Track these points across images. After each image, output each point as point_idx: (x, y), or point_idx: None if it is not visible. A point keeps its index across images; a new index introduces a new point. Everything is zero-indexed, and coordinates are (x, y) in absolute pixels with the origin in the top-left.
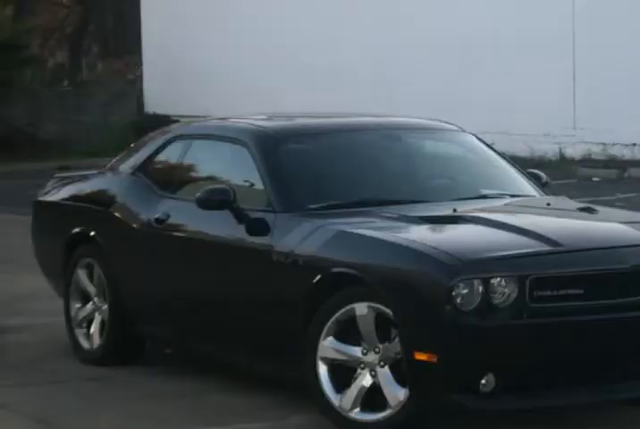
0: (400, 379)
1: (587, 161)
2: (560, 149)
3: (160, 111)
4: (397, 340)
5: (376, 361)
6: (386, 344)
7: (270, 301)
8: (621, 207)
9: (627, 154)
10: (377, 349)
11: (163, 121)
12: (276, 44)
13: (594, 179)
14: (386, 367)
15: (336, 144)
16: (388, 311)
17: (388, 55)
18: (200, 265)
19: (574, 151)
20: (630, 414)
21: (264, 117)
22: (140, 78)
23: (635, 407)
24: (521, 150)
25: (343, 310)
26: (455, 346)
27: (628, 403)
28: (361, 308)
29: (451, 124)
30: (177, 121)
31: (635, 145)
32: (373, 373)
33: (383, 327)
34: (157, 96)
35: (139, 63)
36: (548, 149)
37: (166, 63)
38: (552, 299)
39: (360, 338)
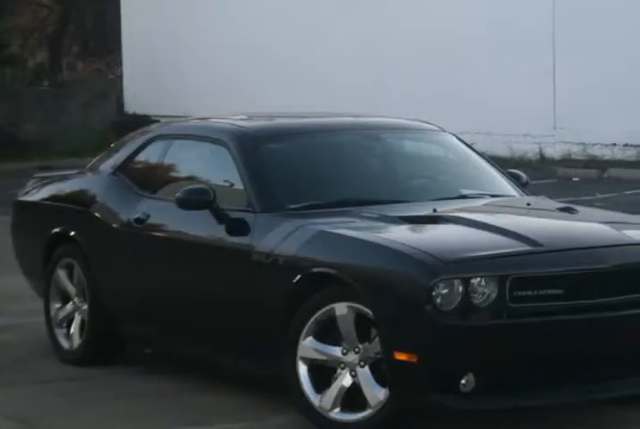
0: (380, 379)
1: (567, 161)
2: (541, 149)
3: (140, 111)
4: (377, 340)
5: (356, 361)
6: (366, 344)
7: (250, 301)
8: (601, 207)
9: (606, 154)
10: (357, 349)
11: (143, 121)
12: (258, 43)
13: (574, 179)
14: (366, 367)
15: (316, 144)
16: (368, 311)
17: (371, 55)
18: (180, 266)
19: (554, 151)
20: (610, 413)
21: (244, 117)
22: (120, 78)
23: (615, 407)
24: (501, 150)
25: (323, 310)
26: (435, 346)
27: (609, 403)
28: (341, 308)
29: (431, 124)
30: (157, 121)
31: (615, 145)
32: (353, 373)
33: (362, 327)
34: (137, 96)
35: (119, 63)
36: (528, 149)
37: (146, 63)
38: (532, 299)
39: (340, 338)
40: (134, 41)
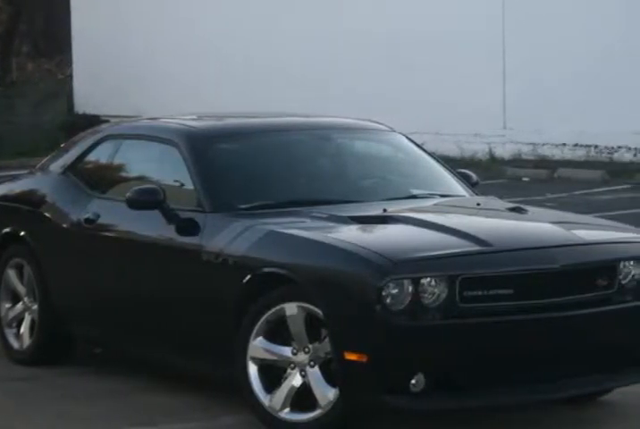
0: (330, 379)
1: (517, 161)
2: (490, 149)
3: (90, 111)
4: (327, 340)
5: (306, 361)
6: (316, 344)
7: (201, 301)
8: (551, 207)
9: (556, 154)
10: (307, 349)
11: (93, 120)
12: (208, 43)
13: (524, 179)
14: (316, 367)
15: (266, 144)
16: (318, 311)
17: (317, 55)
18: (130, 266)
19: (504, 151)
20: (563, 413)
21: (194, 117)
22: (70, 77)
23: (568, 407)
24: (451, 150)
25: (273, 310)
26: (385, 346)
27: (562, 403)
28: (291, 308)
29: (381, 124)
30: (107, 121)
31: (564, 145)
32: (303, 373)
33: (312, 327)
34: (88, 95)
35: (69, 63)
36: (478, 149)
37: (97, 63)
38: (482, 299)
39: (290, 338)
40: (84, 41)
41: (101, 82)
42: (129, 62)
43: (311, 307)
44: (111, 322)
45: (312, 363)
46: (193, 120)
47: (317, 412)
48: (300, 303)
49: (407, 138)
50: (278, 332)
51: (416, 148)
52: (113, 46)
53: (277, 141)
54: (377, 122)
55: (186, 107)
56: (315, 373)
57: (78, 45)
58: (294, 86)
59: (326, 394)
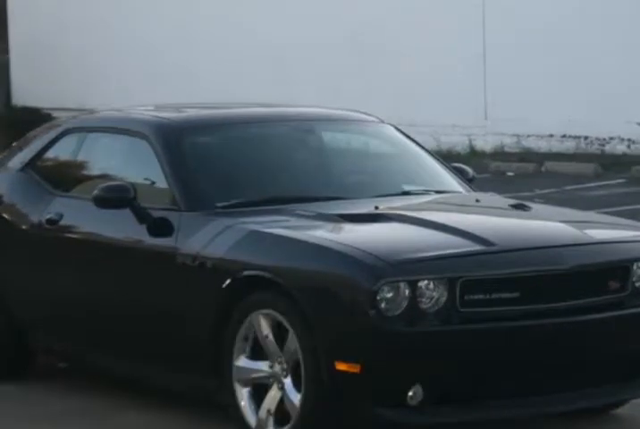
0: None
1: (500, 154)
2: (470, 141)
3: (31, 103)
4: (291, 345)
5: (280, 371)
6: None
7: (175, 309)
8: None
9: (543, 146)
10: (280, 359)
11: (34, 114)
12: (157, 33)
13: (509, 173)
14: (289, 377)
15: (246, 137)
16: (282, 318)
17: (286, 45)
18: (98, 270)
19: (485, 143)
20: (554, 423)
21: (166, 108)
22: (7, 66)
23: (569, 420)
24: (427, 143)
25: (246, 323)
26: (380, 354)
27: (566, 415)
28: (257, 318)
29: (370, 115)
30: (49, 114)
31: (551, 136)
32: (280, 385)
33: (281, 336)
34: (27, 86)
35: (6, 51)
36: (457, 141)
37: (36, 51)
38: (485, 304)
39: (267, 351)
40: (22, 26)
41: (42, 72)
42: (72, 50)
43: (274, 313)
44: (76, 332)
45: (285, 373)
46: (165, 111)
47: (292, 423)
48: (266, 310)
49: (396, 129)
50: (255, 348)
51: (407, 141)
52: (55, 31)
53: (257, 134)
54: (365, 113)
55: (137, 99)
56: (288, 383)
57: (14, 30)
58: (264, 77)
59: (295, 403)
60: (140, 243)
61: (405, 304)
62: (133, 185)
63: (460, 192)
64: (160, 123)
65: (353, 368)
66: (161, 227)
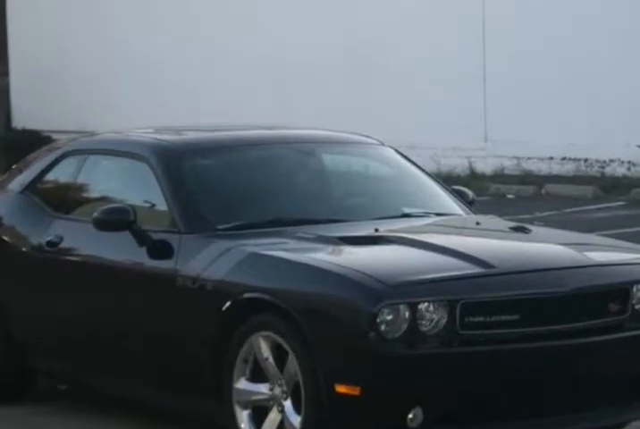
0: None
1: (500, 176)
2: (471, 164)
3: (31, 126)
4: (291, 368)
5: (280, 394)
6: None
7: (175, 331)
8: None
9: (543, 168)
10: (280, 382)
11: (34, 136)
12: (157, 55)
13: (509, 196)
14: (289, 399)
15: (246, 159)
16: (282, 341)
17: (286, 65)
18: (98, 293)
19: (485, 166)
20: None
21: (166, 130)
22: (7, 89)
23: None
24: (427, 165)
25: (246, 345)
26: (380, 377)
27: None
28: (257, 340)
29: (369, 137)
30: (49, 136)
31: (551, 159)
32: (280, 408)
33: (281, 358)
34: (27, 109)
35: (6, 73)
36: (457, 164)
37: (36, 73)
38: (485, 326)
39: (267, 373)
40: (22, 49)
41: (42, 95)
42: (71, 73)
43: (274, 335)
44: (77, 355)
45: (284, 395)
46: (165, 133)
47: None
48: (266, 333)
49: (396, 151)
50: (255, 370)
51: (407, 163)
52: (54, 55)
53: (257, 156)
54: (365, 135)
55: (136, 122)
56: (288, 405)
57: (15, 53)
58: (263, 99)
59: (295, 425)
60: (140, 265)
61: (405, 326)
62: (133, 207)
63: (460, 215)
64: (160, 146)
65: (353, 391)
66: (161, 249)
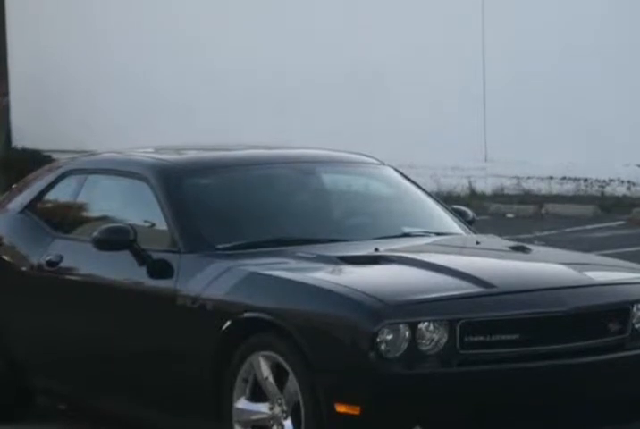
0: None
1: (500, 196)
2: (470, 183)
3: (30, 145)
4: (291, 388)
5: (280, 413)
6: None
7: (175, 350)
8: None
9: (543, 188)
10: (280, 401)
11: (34, 156)
12: (155, 75)
13: (508, 215)
14: (289, 419)
15: (246, 179)
16: (282, 360)
17: (285, 85)
18: (98, 312)
19: (485, 185)
20: None
21: (165, 150)
22: (7, 109)
23: None
24: (427, 185)
25: (246, 364)
26: (379, 396)
27: None
28: (256, 360)
29: (369, 157)
30: (49, 156)
31: (551, 178)
32: (280, 427)
33: (281, 377)
34: (27, 129)
35: (6, 93)
36: (457, 183)
37: (36, 93)
38: (485, 346)
39: (267, 393)
40: (22, 69)
41: (41, 114)
42: (72, 92)
43: (274, 355)
44: (76, 375)
45: (285, 414)
46: (165, 153)
47: None
48: (266, 352)
49: (396, 171)
50: (255, 389)
51: (407, 183)
52: (54, 74)
53: (257, 175)
54: (365, 155)
55: (136, 141)
56: (288, 424)
57: (15, 73)
58: (261, 117)
59: None
60: (140, 285)
61: (405, 346)
62: (133, 227)
63: (460, 234)
64: (160, 165)
65: (353, 410)
66: (161, 269)
